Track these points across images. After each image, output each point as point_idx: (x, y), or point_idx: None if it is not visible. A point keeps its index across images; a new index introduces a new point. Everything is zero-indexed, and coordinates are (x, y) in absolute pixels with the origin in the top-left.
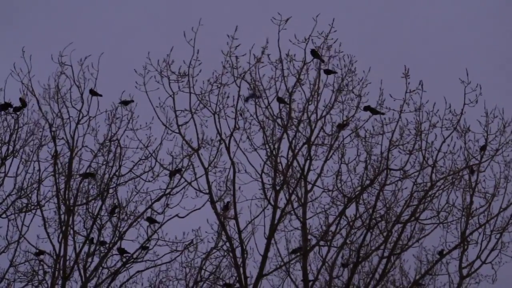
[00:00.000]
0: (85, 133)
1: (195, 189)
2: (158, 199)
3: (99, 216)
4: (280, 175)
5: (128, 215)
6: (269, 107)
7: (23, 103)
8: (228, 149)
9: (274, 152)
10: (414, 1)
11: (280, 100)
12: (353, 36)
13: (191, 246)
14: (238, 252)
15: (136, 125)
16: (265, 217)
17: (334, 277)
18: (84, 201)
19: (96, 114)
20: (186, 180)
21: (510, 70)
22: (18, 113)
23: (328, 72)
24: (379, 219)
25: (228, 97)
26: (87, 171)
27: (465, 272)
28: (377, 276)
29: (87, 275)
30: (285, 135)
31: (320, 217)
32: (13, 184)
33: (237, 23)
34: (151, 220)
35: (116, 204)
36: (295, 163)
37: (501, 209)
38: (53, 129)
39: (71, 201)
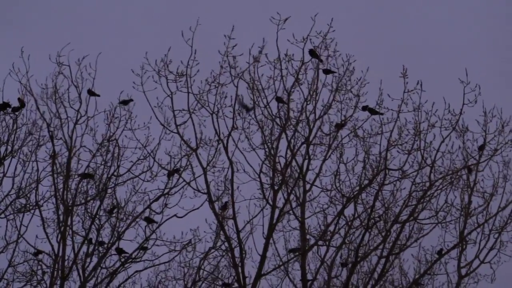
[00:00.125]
0: (83, 133)
1: (193, 189)
2: (157, 199)
3: (97, 216)
4: (279, 174)
5: (126, 215)
6: (267, 106)
7: (22, 104)
8: (226, 148)
9: (272, 152)
10: (414, 1)
11: (279, 99)
12: (352, 36)
13: (190, 246)
14: (236, 252)
15: (134, 125)
16: (264, 216)
17: (333, 277)
18: (83, 201)
19: (94, 114)
20: (184, 180)
21: (510, 70)
22: (16, 113)
23: (327, 72)
24: (378, 219)
25: (226, 97)
26: (86, 171)
27: (463, 271)
28: (375, 276)
29: (86, 275)
30: (283, 135)
31: (318, 216)
32: (12, 184)
33: (236, 23)
34: (149, 220)
35: (115, 204)
36: (293, 163)
37: (500, 209)
38: (51, 129)
39: (70, 201)
